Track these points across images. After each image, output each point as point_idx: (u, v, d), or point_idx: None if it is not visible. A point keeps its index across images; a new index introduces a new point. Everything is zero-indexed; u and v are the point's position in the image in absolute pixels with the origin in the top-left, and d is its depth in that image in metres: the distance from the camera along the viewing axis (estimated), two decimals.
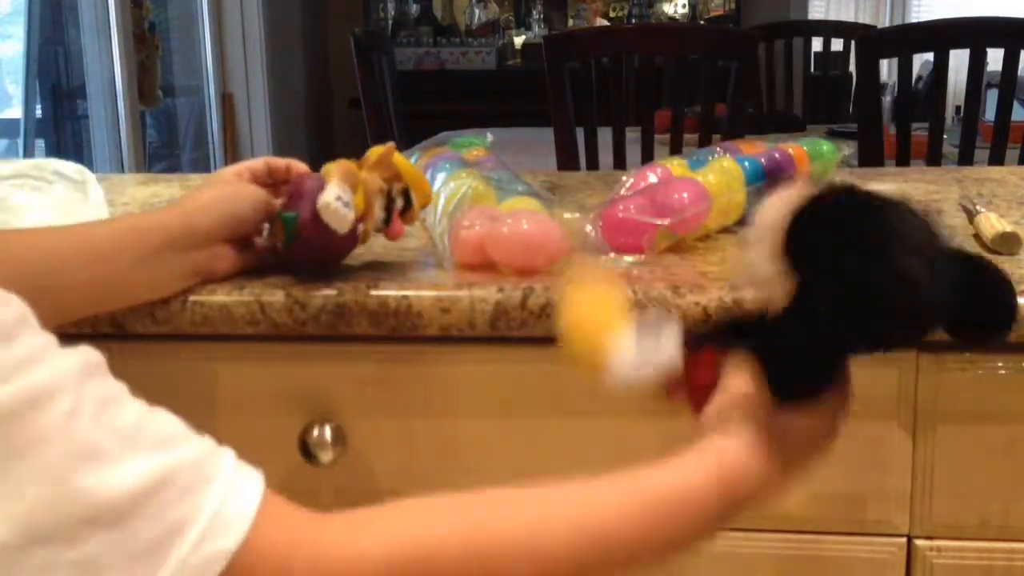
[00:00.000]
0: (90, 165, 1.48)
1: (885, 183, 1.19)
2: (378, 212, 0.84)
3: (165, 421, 0.50)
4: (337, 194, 0.79)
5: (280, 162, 0.90)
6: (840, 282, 0.60)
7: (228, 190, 0.85)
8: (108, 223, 0.85)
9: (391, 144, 0.86)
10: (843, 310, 0.60)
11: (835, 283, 0.60)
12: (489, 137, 1.17)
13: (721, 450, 0.63)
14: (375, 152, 0.85)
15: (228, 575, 0.47)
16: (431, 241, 0.94)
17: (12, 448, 0.43)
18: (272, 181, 0.90)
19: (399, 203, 0.85)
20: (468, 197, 0.92)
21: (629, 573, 0.59)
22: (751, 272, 0.65)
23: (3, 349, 0.43)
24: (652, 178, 0.98)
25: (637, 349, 0.64)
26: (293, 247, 0.83)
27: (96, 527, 0.44)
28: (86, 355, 0.48)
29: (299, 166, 0.91)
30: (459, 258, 0.87)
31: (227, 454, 0.51)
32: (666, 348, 0.65)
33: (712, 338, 0.70)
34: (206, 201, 0.83)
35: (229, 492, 0.48)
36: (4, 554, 0.43)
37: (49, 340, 0.47)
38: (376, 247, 0.89)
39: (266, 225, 0.87)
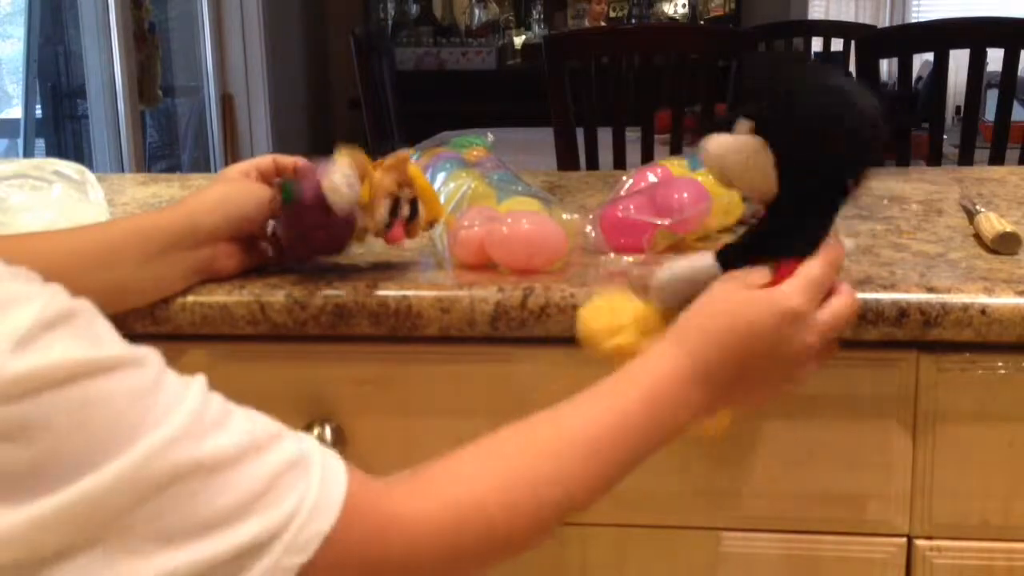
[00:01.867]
0: (90, 165, 1.48)
1: (884, 183, 1.19)
2: (382, 213, 0.84)
3: (256, 419, 0.55)
4: (344, 172, 0.79)
5: (287, 160, 0.90)
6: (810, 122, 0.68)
7: (233, 189, 0.85)
8: (111, 226, 0.85)
9: (409, 151, 0.87)
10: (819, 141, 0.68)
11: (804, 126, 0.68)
12: (489, 137, 1.16)
13: (658, 366, 0.68)
14: (391, 156, 0.85)
15: (326, 550, 0.51)
16: (431, 241, 0.94)
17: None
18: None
19: (405, 211, 0.85)
20: (468, 197, 0.93)
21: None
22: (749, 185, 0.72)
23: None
24: (652, 178, 0.99)
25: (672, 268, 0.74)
26: (287, 220, 0.83)
27: (212, 530, 0.48)
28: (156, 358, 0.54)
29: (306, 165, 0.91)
30: (459, 258, 0.87)
31: (312, 442, 0.55)
32: (699, 262, 0.73)
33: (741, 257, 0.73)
34: (211, 200, 0.83)
35: (325, 476, 0.53)
36: None
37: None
38: (376, 247, 0.90)
39: (271, 223, 0.87)
